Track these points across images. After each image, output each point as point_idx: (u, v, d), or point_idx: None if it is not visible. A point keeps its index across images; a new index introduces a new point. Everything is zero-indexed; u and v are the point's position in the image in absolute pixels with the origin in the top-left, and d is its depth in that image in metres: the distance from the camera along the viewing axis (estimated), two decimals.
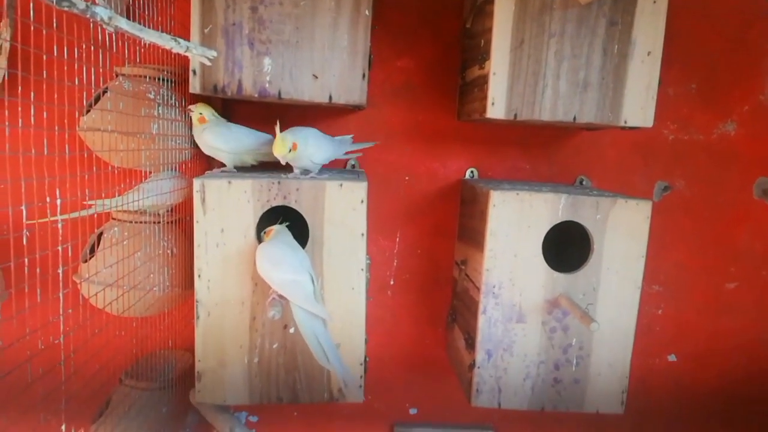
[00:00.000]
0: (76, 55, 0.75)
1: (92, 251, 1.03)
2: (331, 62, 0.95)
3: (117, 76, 1.02)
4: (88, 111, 0.99)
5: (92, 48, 0.78)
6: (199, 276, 0.93)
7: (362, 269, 0.95)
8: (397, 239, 1.27)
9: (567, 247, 1.07)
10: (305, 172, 0.98)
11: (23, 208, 0.65)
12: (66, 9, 0.60)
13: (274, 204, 0.92)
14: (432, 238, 1.27)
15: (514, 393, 1.01)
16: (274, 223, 0.94)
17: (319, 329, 0.86)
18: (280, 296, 0.87)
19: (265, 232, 0.92)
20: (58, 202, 0.70)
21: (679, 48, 1.21)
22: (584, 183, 1.26)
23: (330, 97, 0.96)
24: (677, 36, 1.19)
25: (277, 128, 0.92)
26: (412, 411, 1.35)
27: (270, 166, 1.07)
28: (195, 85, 0.94)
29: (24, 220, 0.65)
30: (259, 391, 0.98)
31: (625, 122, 0.98)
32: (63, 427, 0.75)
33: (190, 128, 1.05)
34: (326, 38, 0.94)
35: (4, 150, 0.64)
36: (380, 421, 1.35)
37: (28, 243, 0.69)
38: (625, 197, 0.97)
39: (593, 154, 1.26)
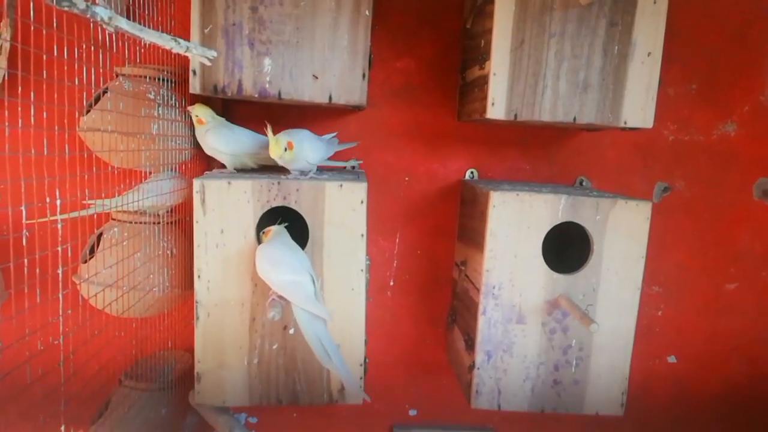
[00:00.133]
0: (76, 55, 0.74)
1: (92, 252, 1.03)
2: (331, 62, 0.95)
3: (117, 76, 1.02)
4: (88, 111, 0.99)
5: (92, 48, 0.78)
6: (198, 277, 0.93)
7: (362, 270, 0.95)
8: (397, 240, 1.27)
9: (567, 248, 1.06)
10: (302, 173, 0.98)
11: (23, 208, 0.64)
12: (66, 9, 0.60)
13: (274, 205, 0.92)
14: (432, 239, 1.27)
15: (513, 394, 1.01)
16: (274, 225, 0.94)
17: (320, 330, 0.86)
18: (280, 297, 0.87)
19: (263, 233, 0.92)
20: (58, 202, 0.70)
21: (679, 48, 1.21)
22: (584, 184, 1.26)
23: (330, 98, 0.96)
24: (677, 36, 1.19)
25: (269, 131, 0.92)
26: (412, 412, 1.35)
27: (271, 171, 1.07)
28: (195, 86, 0.94)
29: (24, 220, 0.65)
30: (259, 393, 0.97)
31: (625, 123, 0.98)
32: (62, 428, 0.75)
33: (191, 128, 1.05)
34: (326, 38, 0.94)
35: (4, 150, 0.63)
36: (380, 422, 1.35)
37: (27, 243, 0.69)
38: (625, 198, 0.97)
39: (593, 155, 1.26)
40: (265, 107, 1.16)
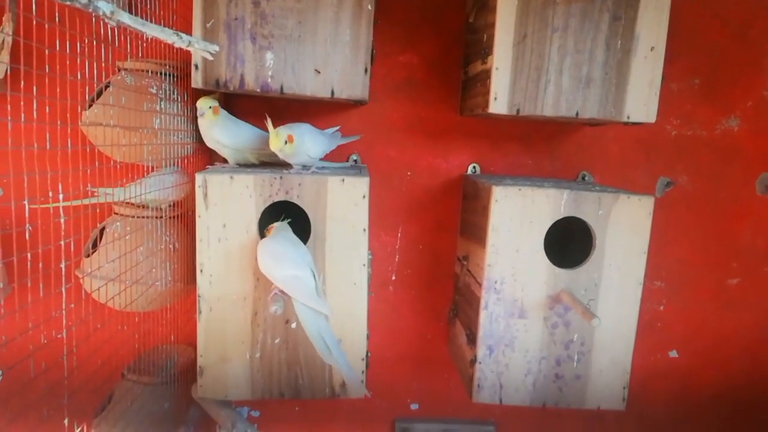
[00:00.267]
0: (78, 50, 0.74)
1: (95, 246, 1.03)
2: (333, 57, 0.95)
3: (119, 70, 1.02)
4: (90, 105, 0.99)
5: (94, 42, 0.78)
6: (201, 271, 0.93)
7: (364, 264, 0.95)
8: (399, 234, 1.27)
9: (569, 243, 1.06)
10: (304, 167, 0.98)
11: (26, 202, 0.65)
12: (68, 3, 0.60)
13: (276, 199, 0.92)
14: (434, 234, 1.27)
15: (515, 389, 1.02)
16: (276, 219, 0.94)
17: (321, 325, 0.86)
18: (282, 291, 0.87)
19: (267, 230, 0.92)
20: (61, 196, 0.70)
21: (682, 43, 1.20)
22: (587, 178, 1.26)
23: (332, 92, 0.96)
24: (680, 31, 1.19)
25: (270, 124, 0.92)
26: (414, 406, 1.36)
27: (273, 166, 1.07)
28: (197, 80, 0.94)
29: (26, 214, 0.65)
30: (261, 387, 0.98)
31: (628, 118, 0.98)
32: (65, 422, 0.75)
33: (193, 123, 1.05)
34: (328, 33, 0.94)
35: (6, 145, 0.63)
36: (382, 416, 1.35)
37: (30, 238, 0.69)
38: (627, 193, 0.97)
39: (596, 150, 1.26)
40: (267, 102, 1.16)
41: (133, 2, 0.91)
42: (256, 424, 1.33)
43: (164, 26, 0.74)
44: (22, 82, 0.64)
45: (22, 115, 0.64)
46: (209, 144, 1.03)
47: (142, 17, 0.71)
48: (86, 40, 0.76)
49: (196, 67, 0.93)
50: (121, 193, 0.95)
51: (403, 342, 1.32)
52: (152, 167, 1.03)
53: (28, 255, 0.66)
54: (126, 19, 0.66)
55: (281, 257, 0.86)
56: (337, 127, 1.11)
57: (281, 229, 0.91)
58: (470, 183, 1.17)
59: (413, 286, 1.29)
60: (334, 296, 0.95)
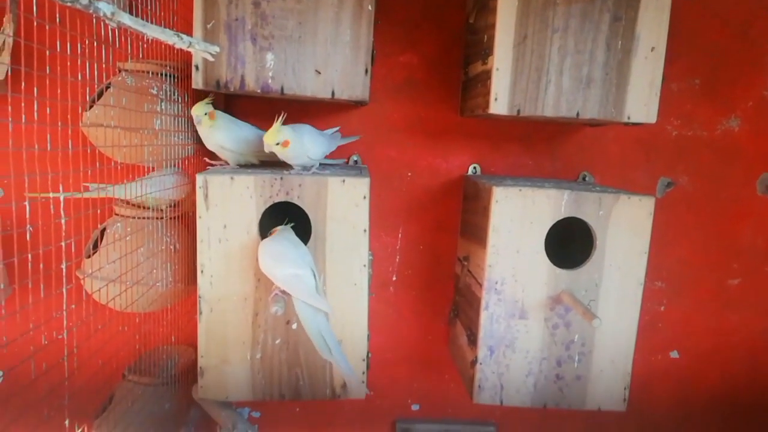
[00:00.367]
0: (79, 51, 0.75)
1: (95, 247, 1.03)
2: (333, 57, 0.95)
3: (120, 71, 1.02)
4: (91, 106, 0.99)
5: (95, 43, 0.78)
6: (201, 272, 0.93)
7: (364, 265, 0.95)
8: (400, 235, 1.27)
9: (569, 244, 1.06)
10: (304, 168, 0.98)
11: (27, 203, 0.65)
12: (69, 4, 0.60)
13: (277, 200, 0.92)
14: (434, 234, 1.27)
15: (516, 390, 1.02)
16: (277, 220, 0.94)
17: (321, 322, 0.86)
18: (283, 292, 0.87)
19: (270, 233, 0.92)
20: (62, 197, 0.70)
21: (682, 43, 1.20)
22: (587, 179, 1.26)
23: (332, 93, 0.96)
24: (681, 31, 1.19)
25: (279, 120, 0.92)
26: (414, 407, 1.36)
27: (274, 166, 1.07)
28: (198, 81, 0.94)
29: (27, 214, 0.65)
30: (262, 388, 0.98)
31: (629, 118, 0.98)
32: (66, 423, 0.75)
33: (193, 123, 1.05)
34: (329, 33, 0.94)
35: (7, 146, 0.64)
36: (382, 417, 1.35)
37: (31, 238, 0.69)
38: (628, 193, 0.97)
39: (596, 150, 1.26)
40: (268, 102, 1.16)
41: (133, 3, 0.91)
42: (257, 425, 1.33)
43: (165, 27, 0.74)
44: (23, 83, 0.64)
45: (23, 116, 0.64)
46: (210, 147, 1.03)
47: (142, 18, 0.71)
48: (87, 41, 0.76)
49: (197, 68, 0.93)
50: (115, 190, 0.94)
51: (404, 343, 1.32)
52: (153, 168, 1.03)
53: (29, 256, 0.66)
54: (126, 20, 0.66)
55: (281, 257, 0.86)
56: (337, 128, 1.11)
57: (284, 231, 0.92)
58: (471, 183, 1.17)
59: (414, 287, 1.29)
60: (335, 297, 0.95)
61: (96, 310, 0.87)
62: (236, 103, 1.19)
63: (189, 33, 0.87)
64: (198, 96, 1.03)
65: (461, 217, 1.25)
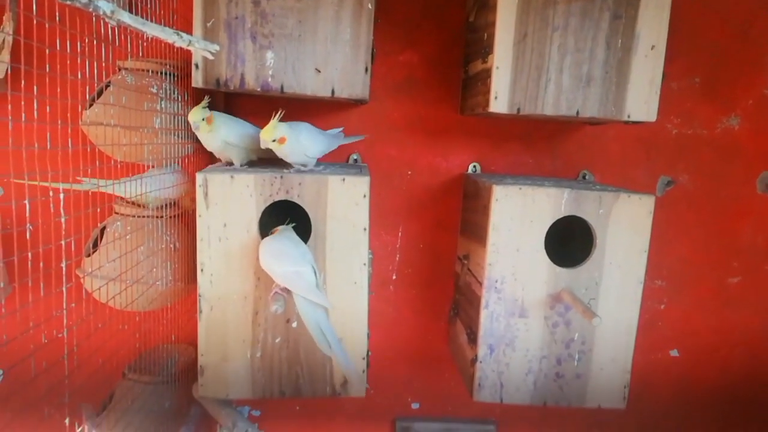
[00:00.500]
0: (78, 49, 0.75)
1: (95, 246, 1.03)
2: (333, 56, 0.95)
3: (120, 70, 1.02)
4: (90, 105, 0.99)
5: (95, 42, 0.78)
6: (201, 270, 0.93)
7: (364, 264, 0.95)
8: (400, 234, 1.27)
9: (569, 242, 1.06)
10: (302, 165, 0.98)
11: (26, 202, 0.65)
12: (68, 3, 0.60)
13: (277, 198, 0.92)
14: (434, 233, 1.27)
15: (516, 388, 1.02)
16: (277, 218, 0.94)
17: (321, 318, 0.86)
18: (283, 290, 0.88)
19: (271, 233, 0.92)
20: (62, 196, 0.70)
21: (682, 41, 1.20)
22: (587, 177, 1.26)
23: (332, 91, 0.96)
24: (681, 29, 1.19)
25: (277, 116, 0.92)
26: (414, 405, 1.36)
27: (274, 164, 1.06)
28: (197, 79, 0.94)
29: (27, 213, 0.65)
30: (262, 386, 0.98)
31: (629, 117, 0.98)
32: (66, 421, 0.75)
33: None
34: (329, 32, 0.94)
35: (7, 144, 0.64)
36: (382, 415, 1.36)
37: (31, 237, 0.69)
38: (628, 192, 0.97)
39: (596, 149, 1.26)
40: (268, 101, 1.16)
41: (133, 2, 0.91)
42: (257, 423, 1.34)
43: (164, 26, 0.74)
44: (23, 82, 0.64)
45: (23, 114, 0.64)
46: (213, 149, 1.01)
47: (142, 17, 0.71)
48: (87, 40, 0.76)
49: (197, 66, 0.93)
50: (112, 186, 0.94)
51: (404, 341, 1.32)
52: (152, 166, 1.03)
53: (29, 254, 0.66)
54: (126, 18, 0.66)
55: (282, 254, 0.86)
56: (341, 128, 1.11)
57: (284, 230, 0.92)
58: (471, 182, 1.17)
59: (414, 286, 1.29)
60: (335, 295, 0.95)
61: (96, 309, 0.87)
62: (236, 102, 1.19)
63: (189, 31, 0.86)
64: (198, 94, 1.03)
65: (461, 216, 1.25)
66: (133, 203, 1.03)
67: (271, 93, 0.96)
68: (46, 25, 0.66)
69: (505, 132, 1.25)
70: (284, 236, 0.89)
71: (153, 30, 0.71)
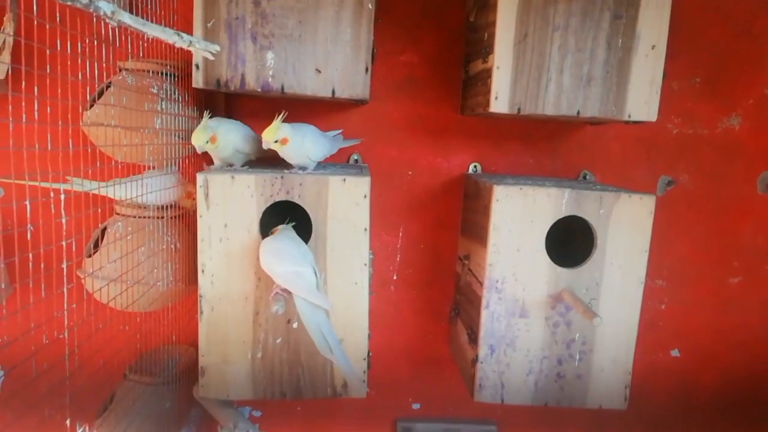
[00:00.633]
0: (79, 50, 0.74)
1: (96, 246, 1.03)
2: (334, 56, 0.95)
3: (120, 70, 1.02)
4: (91, 106, 0.99)
5: (95, 42, 0.78)
6: (202, 271, 0.93)
7: (365, 264, 0.95)
8: (400, 234, 1.27)
9: (570, 242, 1.06)
10: (302, 168, 0.98)
11: (27, 203, 0.65)
12: (69, 3, 0.60)
13: (278, 199, 0.92)
14: (435, 233, 1.27)
15: (517, 388, 1.02)
16: (278, 219, 0.94)
17: (321, 320, 0.86)
18: (284, 291, 0.87)
19: (271, 232, 0.92)
20: (62, 197, 0.70)
21: (683, 41, 1.20)
22: (588, 177, 1.26)
23: (333, 92, 0.96)
24: (681, 29, 1.19)
25: (280, 117, 0.91)
26: (415, 406, 1.36)
27: (275, 165, 1.06)
28: (198, 80, 0.94)
29: (28, 214, 0.65)
30: (263, 386, 0.98)
31: (629, 116, 0.97)
32: (67, 422, 0.75)
33: (194, 123, 1.05)
34: (329, 32, 0.94)
35: (8, 145, 0.64)
36: (383, 416, 1.36)
37: (32, 238, 0.69)
38: (628, 192, 0.97)
39: (597, 149, 1.26)
40: (268, 101, 1.16)
41: (133, 2, 0.91)
42: (258, 424, 1.34)
43: (165, 26, 0.74)
44: (23, 83, 0.64)
45: (24, 115, 0.64)
46: (220, 159, 1.00)
47: (142, 17, 0.71)
48: (87, 41, 0.76)
49: (197, 66, 0.93)
50: (100, 186, 0.94)
51: (405, 341, 1.32)
52: (153, 167, 1.03)
53: (30, 255, 0.66)
54: (127, 19, 0.66)
55: (282, 254, 0.86)
56: (340, 131, 1.11)
57: (285, 230, 0.92)
58: (471, 182, 1.17)
59: (414, 286, 1.29)
60: (336, 296, 0.95)
61: (97, 310, 0.87)
62: (236, 103, 1.19)
63: (189, 32, 0.86)
64: (198, 95, 1.03)
65: (462, 216, 1.25)
66: (133, 204, 1.02)
67: (272, 93, 0.96)
68: (47, 26, 0.66)
69: (505, 132, 1.25)
70: (285, 236, 0.89)
71: (153, 30, 0.71)
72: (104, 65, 0.80)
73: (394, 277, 1.29)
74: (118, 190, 0.96)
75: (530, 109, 0.96)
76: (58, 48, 0.70)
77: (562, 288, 0.98)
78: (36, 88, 0.65)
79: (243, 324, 0.95)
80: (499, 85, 0.95)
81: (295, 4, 0.92)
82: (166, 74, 1.01)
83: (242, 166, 1.02)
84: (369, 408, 1.34)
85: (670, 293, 1.32)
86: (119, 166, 0.99)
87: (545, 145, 1.25)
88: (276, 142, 0.91)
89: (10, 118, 0.63)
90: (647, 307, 1.29)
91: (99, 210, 0.96)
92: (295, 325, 0.95)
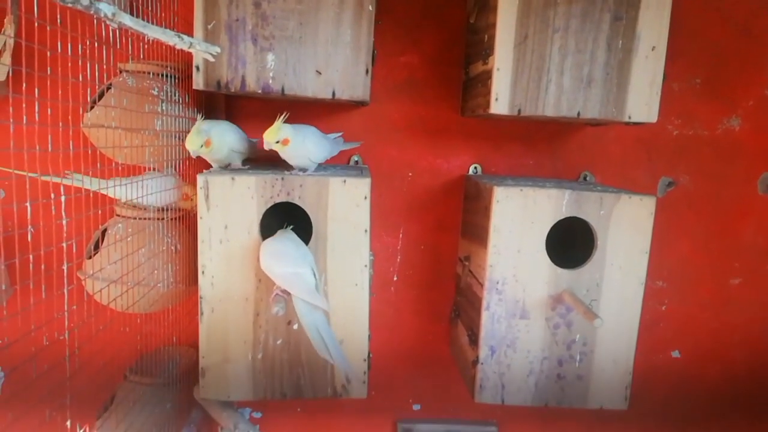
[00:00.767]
0: (79, 52, 0.75)
1: (96, 248, 1.03)
2: (334, 58, 0.95)
3: (120, 72, 1.02)
4: (91, 107, 0.99)
5: (96, 44, 0.78)
6: (202, 272, 0.93)
7: (365, 265, 0.95)
8: (401, 235, 1.27)
9: (570, 243, 1.06)
10: (302, 169, 0.98)
11: (28, 204, 0.65)
12: (69, 5, 0.60)
13: (278, 200, 0.92)
14: (435, 234, 1.27)
15: (517, 389, 1.01)
16: (278, 220, 0.94)
17: (320, 321, 0.86)
18: (284, 292, 0.88)
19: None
20: (63, 198, 0.70)
21: (683, 43, 1.20)
22: (588, 179, 1.26)
23: (333, 93, 0.96)
24: (682, 30, 1.19)
25: (281, 118, 0.91)
26: (416, 407, 1.36)
27: (275, 166, 1.06)
28: (198, 82, 0.94)
29: (28, 216, 0.65)
30: (263, 387, 0.98)
31: (629, 118, 0.98)
32: (68, 423, 0.75)
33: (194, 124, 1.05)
34: (329, 34, 0.94)
35: (8, 147, 0.64)
36: (383, 417, 1.35)
37: (32, 239, 0.69)
38: (629, 193, 0.97)
39: (597, 150, 1.26)
40: (268, 103, 1.16)
41: (134, 4, 0.91)
42: (258, 424, 1.34)
43: (165, 28, 0.74)
44: (24, 84, 0.64)
45: (24, 117, 0.64)
46: (216, 162, 1.01)
47: (143, 19, 0.71)
48: (88, 42, 0.76)
49: (198, 68, 0.93)
50: (101, 184, 0.94)
51: (405, 343, 1.32)
52: (153, 169, 1.03)
53: (30, 257, 0.66)
54: (127, 20, 0.67)
55: (282, 255, 0.87)
56: (340, 133, 1.11)
57: (284, 231, 0.92)
58: (472, 183, 1.17)
59: (415, 287, 1.29)
60: (336, 297, 0.95)
61: (97, 311, 0.87)
62: (236, 104, 1.19)
63: (190, 34, 0.87)
64: (198, 97, 1.03)
65: (462, 217, 1.25)
66: (134, 205, 1.03)
67: (272, 95, 0.96)
68: (47, 28, 0.66)
69: (505, 133, 1.25)
70: (284, 237, 0.89)
71: (154, 32, 0.71)
72: (105, 67, 0.80)
73: (395, 278, 1.29)
74: (117, 191, 0.96)
75: (530, 111, 0.96)
76: (59, 50, 0.70)
77: (563, 289, 0.98)
78: (36, 90, 0.66)
79: (243, 325, 0.95)
80: (500, 87, 0.95)
81: (296, 5, 0.92)
82: (167, 76, 1.01)
83: (242, 164, 1.02)
84: (369, 409, 1.34)
85: (671, 294, 1.32)
86: (120, 168, 0.99)
87: (545, 146, 1.25)
88: (277, 142, 0.91)
89: (11, 120, 0.63)
90: (648, 308, 1.29)
91: (99, 211, 0.96)
92: (295, 327, 0.95)
